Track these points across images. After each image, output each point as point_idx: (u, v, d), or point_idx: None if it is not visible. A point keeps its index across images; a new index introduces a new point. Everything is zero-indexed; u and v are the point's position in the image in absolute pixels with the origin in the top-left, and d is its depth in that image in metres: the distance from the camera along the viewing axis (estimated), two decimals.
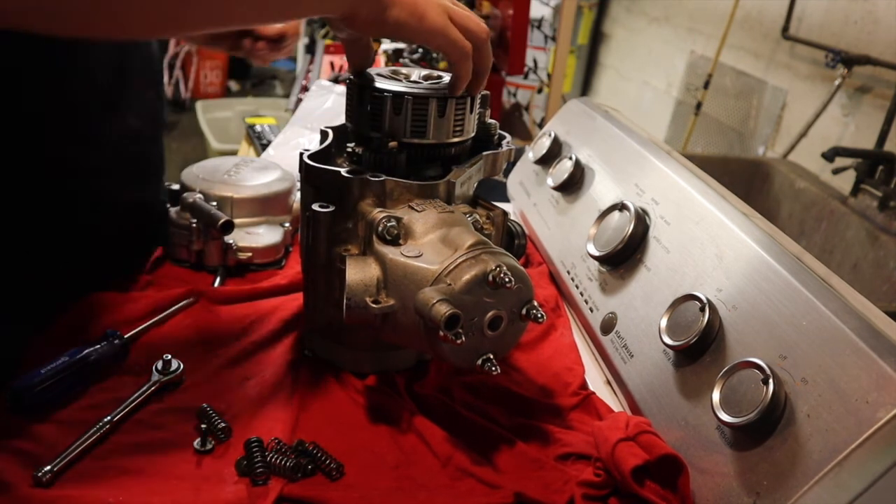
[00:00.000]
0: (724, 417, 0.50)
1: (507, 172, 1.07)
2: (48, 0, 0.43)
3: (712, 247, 0.62)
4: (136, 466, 0.52)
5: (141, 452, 0.53)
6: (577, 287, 0.78)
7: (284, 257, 0.86)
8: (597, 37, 4.03)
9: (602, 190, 0.82)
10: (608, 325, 0.70)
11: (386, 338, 0.60)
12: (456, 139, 0.64)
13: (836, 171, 1.75)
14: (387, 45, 2.04)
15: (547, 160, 0.96)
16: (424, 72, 0.69)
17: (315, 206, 0.59)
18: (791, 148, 2.19)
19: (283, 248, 0.85)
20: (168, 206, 0.81)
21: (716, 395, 0.52)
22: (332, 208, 0.59)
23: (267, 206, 0.85)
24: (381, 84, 0.62)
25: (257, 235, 0.83)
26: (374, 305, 0.55)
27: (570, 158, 0.88)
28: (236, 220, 0.79)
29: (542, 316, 0.55)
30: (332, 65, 2.05)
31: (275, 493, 0.50)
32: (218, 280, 0.80)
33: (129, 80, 0.73)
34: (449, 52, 0.59)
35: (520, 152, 1.04)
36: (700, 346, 0.56)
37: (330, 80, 1.49)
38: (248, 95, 4.55)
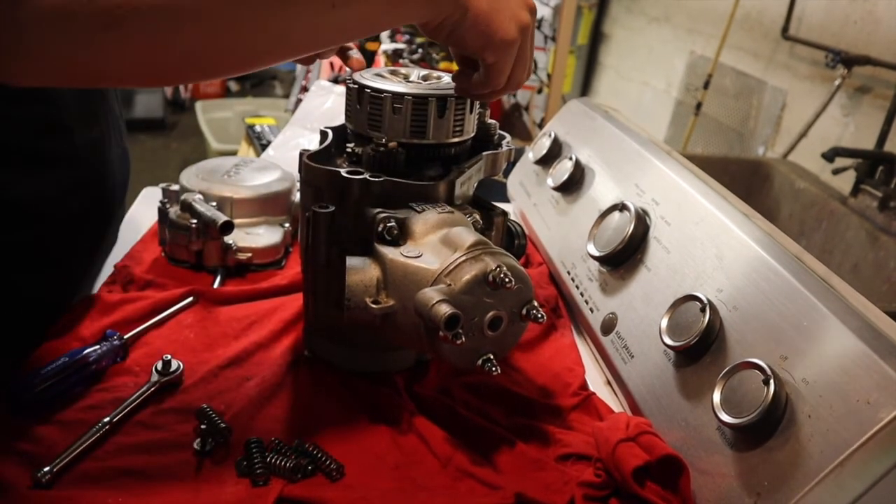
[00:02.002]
0: (725, 418, 0.50)
1: (507, 173, 1.07)
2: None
3: (713, 247, 0.61)
4: (135, 467, 0.52)
5: (141, 453, 0.53)
6: (577, 287, 0.78)
7: (284, 258, 0.86)
8: (596, 37, 4.03)
9: (602, 190, 0.82)
10: (608, 326, 0.70)
11: (386, 338, 0.59)
12: (456, 139, 0.64)
13: (835, 172, 1.75)
14: (387, 45, 2.04)
15: (547, 160, 0.96)
16: (424, 72, 0.69)
17: (315, 207, 0.59)
18: (791, 148, 2.19)
19: (282, 249, 0.85)
20: (168, 207, 0.81)
21: (716, 396, 0.52)
22: (331, 209, 0.59)
23: (266, 206, 0.85)
24: (380, 84, 0.62)
25: (257, 236, 0.83)
26: (373, 306, 0.55)
27: (570, 159, 0.88)
28: (236, 221, 0.79)
29: (543, 316, 0.55)
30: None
31: (275, 494, 0.50)
32: (218, 280, 0.80)
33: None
34: (486, 72, 0.58)
35: (520, 152, 1.04)
36: (700, 347, 0.56)
37: (329, 81, 1.49)
38: (247, 96, 4.55)
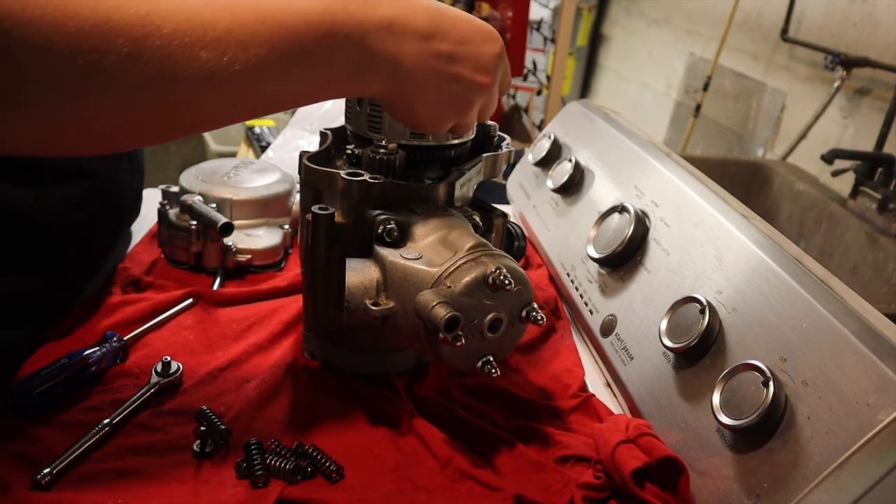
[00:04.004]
0: (725, 420, 0.50)
1: (506, 174, 1.07)
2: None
3: (712, 249, 0.62)
4: (135, 469, 0.52)
5: (140, 455, 0.53)
6: (576, 289, 0.78)
7: (284, 259, 0.86)
8: (596, 39, 4.03)
9: (602, 192, 0.82)
10: (608, 328, 0.70)
11: (386, 340, 0.59)
12: (455, 141, 0.64)
13: (835, 173, 1.75)
14: None
15: (546, 162, 0.96)
16: None
17: (315, 209, 0.59)
18: (790, 150, 2.19)
19: (282, 250, 0.85)
20: (167, 208, 0.81)
21: (716, 398, 0.52)
22: (331, 210, 0.59)
23: (266, 207, 0.85)
24: None
25: (257, 237, 0.83)
26: (373, 308, 0.55)
27: (570, 160, 0.88)
28: (235, 222, 0.79)
29: (542, 318, 0.55)
30: None
31: (274, 496, 0.50)
32: (217, 282, 0.80)
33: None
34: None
35: (519, 154, 1.04)
36: (700, 349, 0.56)
37: None
38: None
